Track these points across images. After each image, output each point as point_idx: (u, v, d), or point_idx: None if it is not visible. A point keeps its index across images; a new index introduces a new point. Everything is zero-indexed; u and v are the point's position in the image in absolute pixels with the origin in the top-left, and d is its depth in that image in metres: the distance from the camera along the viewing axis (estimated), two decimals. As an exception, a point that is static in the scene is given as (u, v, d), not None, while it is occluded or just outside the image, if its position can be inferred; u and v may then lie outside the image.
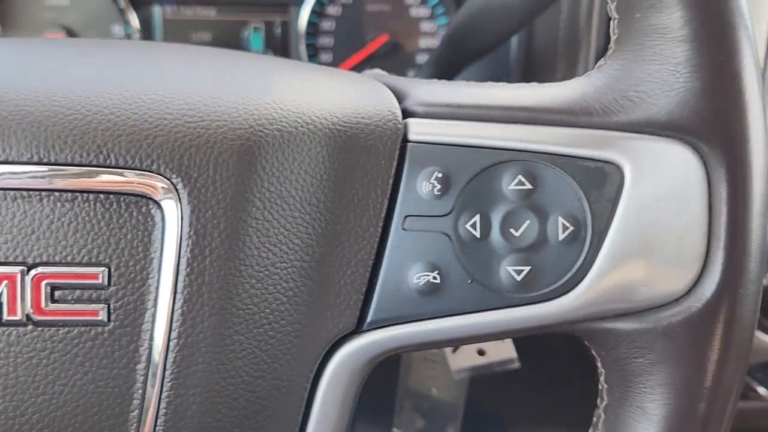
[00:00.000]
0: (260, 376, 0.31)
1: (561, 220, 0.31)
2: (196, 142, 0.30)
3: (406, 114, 0.33)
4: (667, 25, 0.31)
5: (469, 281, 0.32)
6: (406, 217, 0.32)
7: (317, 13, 0.81)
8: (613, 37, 0.33)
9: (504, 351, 0.57)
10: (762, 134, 0.31)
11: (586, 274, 0.31)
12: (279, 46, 0.83)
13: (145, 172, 0.29)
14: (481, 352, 0.57)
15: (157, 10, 0.81)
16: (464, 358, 0.57)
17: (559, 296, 0.32)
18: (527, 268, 0.31)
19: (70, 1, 0.79)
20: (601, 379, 0.34)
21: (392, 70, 0.83)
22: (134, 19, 0.79)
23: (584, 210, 0.31)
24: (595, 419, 0.35)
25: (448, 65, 0.62)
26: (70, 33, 0.79)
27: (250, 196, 0.30)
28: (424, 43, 0.83)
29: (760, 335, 0.69)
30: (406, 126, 0.33)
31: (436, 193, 0.32)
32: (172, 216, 0.29)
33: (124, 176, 0.29)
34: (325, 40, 0.83)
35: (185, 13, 0.81)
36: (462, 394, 0.62)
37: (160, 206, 0.30)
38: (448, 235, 0.32)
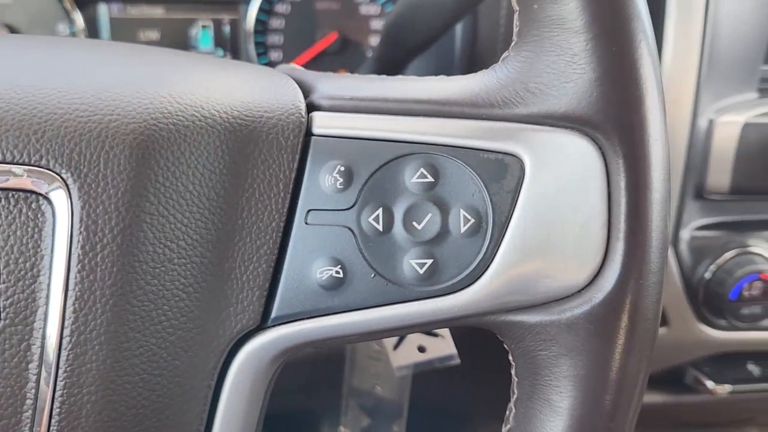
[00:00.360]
0: (160, 374, 0.31)
1: (462, 212, 0.31)
2: (86, 137, 0.29)
3: (312, 107, 0.33)
4: (563, 16, 0.30)
5: (373, 275, 0.31)
6: (309, 211, 0.32)
7: (266, 11, 0.81)
8: (515, 29, 0.33)
9: (444, 347, 0.57)
10: (660, 124, 0.31)
11: (488, 267, 0.31)
12: (228, 44, 0.82)
13: (34, 168, 0.29)
14: (421, 349, 0.57)
15: (102, 9, 0.79)
16: (405, 356, 0.57)
17: (462, 289, 0.31)
18: (429, 261, 0.31)
19: (14, 0, 0.78)
20: (513, 372, 0.34)
21: (343, 68, 0.83)
22: (79, 18, 0.78)
23: (485, 202, 0.31)
24: (507, 413, 0.35)
25: (388, 62, 0.62)
26: (14, 31, 0.77)
27: (143, 191, 0.30)
28: (374, 40, 0.83)
29: (705, 329, 0.69)
30: (310, 119, 0.32)
31: (339, 186, 0.32)
32: (63, 212, 0.29)
33: (12, 171, 0.28)
34: (275, 38, 0.82)
35: (132, 12, 0.80)
36: (406, 391, 0.61)
37: (50, 202, 0.29)
38: (350, 229, 0.31)
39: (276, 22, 0.82)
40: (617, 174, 0.31)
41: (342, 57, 0.82)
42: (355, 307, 0.31)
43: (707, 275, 0.67)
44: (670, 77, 0.62)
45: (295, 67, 0.39)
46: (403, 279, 0.31)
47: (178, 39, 0.81)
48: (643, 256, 0.31)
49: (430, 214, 0.31)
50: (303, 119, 0.32)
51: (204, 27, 0.81)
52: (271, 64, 0.82)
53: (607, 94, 0.30)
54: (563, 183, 0.31)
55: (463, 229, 0.31)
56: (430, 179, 0.32)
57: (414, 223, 0.31)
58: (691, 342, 0.69)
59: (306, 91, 0.34)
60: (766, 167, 0.64)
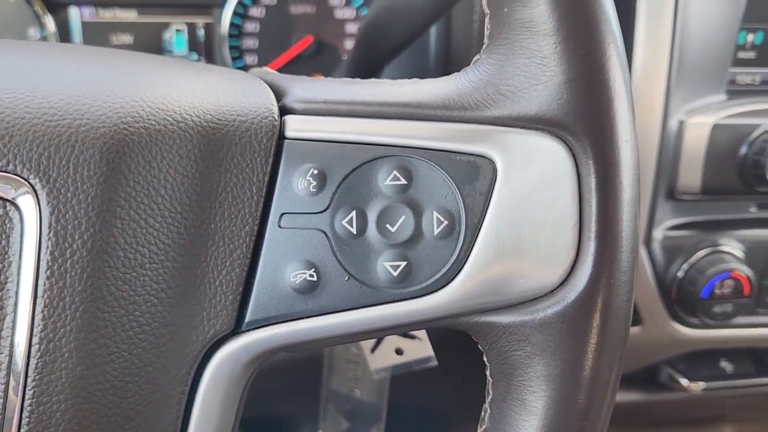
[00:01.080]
0: (132, 380, 0.30)
1: (436, 214, 0.31)
2: (55, 141, 0.29)
3: (285, 111, 0.33)
4: (533, 19, 0.31)
5: (346, 278, 0.31)
6: (283, 214, 0.32)
7: (240, 15, 0.80)
8: (486, 33, 0.33)
9: (421, 350, 0.57)
10: (629, 125, 0.31)
11: (461, 268, 0.31)
12: (202, 48, 0.81)
13: (1, 173, 0.28)
14: (399, 352, 0.57)
15: (74, 13, 0.79)
16: (382, 358, 0.57)
17: (436, 291, 0.31)
18: (403, 264, 0.31)
19: (-18, 4, 0.76)
20: (487, 373, 0.34)
21: (318, 72, 0.83)
22: (50, 22, 0.77)
23: (458, 204, 0.31)
24: (482, 414, 0.35)
25: (363, 66, 0.62)
26: (-17, 36, 0.76)
27: (114, 196, 0.29)
28: (350, 44, 0.83)
29: (678, 327, 0.70)
30: (283, 123, 0.32)
31: (312, 190, 0.31)
32: (31, 217, 0.28)
33: (-22, 177, 0.28)
34: (250, 42, 0.82)
35: (104, 16, 0.79)
36: (384, 394, 0.61)
37: (17, 208, 0.28)
38: (324, 232, 0.31)
39: (251, 26, 0.81)
40: (588, 175, 0.31)
41: (317, 61, 0.82)
42: (329, 311, 0.31)
43: (680, 274, 0.68)
44: (641, 80, 0.63)
45: (268, 70, 0.39)
46: (377, 281, 0.31)
47: (151, 43, 0.81)
48: (614, 256, 0.31)
49: (403, 217, 0.31)
50: (276, 123, 0.32)
51: (178, 31, 0.81)
52: (246, 68, 0.82)
53: (576, 96, 0.31)
54: (535, 184, 0.31)
55: (436, 231, 0.31)
56: (404, 181, 0.32)
57: (387, 226, 0.31)
58: (665, 340, 0.70)
59: (279, 95, 0.34)
60: (735, 168, 0.65)
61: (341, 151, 0.32)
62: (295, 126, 0.32)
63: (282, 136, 0.32)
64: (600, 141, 0.31)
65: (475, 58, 0.34)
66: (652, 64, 0.63)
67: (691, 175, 0.65)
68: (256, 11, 0.81)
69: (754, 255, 0.68)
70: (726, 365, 0.74)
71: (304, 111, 0.33)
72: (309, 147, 0.32)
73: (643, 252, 0.67)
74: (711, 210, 0.69)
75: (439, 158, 0.32)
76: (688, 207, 0.68)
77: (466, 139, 0.32)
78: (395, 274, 0.31)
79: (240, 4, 0.80)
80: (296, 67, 0.82)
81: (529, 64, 0.31)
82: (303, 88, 0.34)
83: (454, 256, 0.31)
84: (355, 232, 0.31)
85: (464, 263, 0.31)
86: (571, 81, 0.30)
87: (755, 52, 0.67)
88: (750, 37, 0.67)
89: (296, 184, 0.32)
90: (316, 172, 0.32)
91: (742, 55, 0.67)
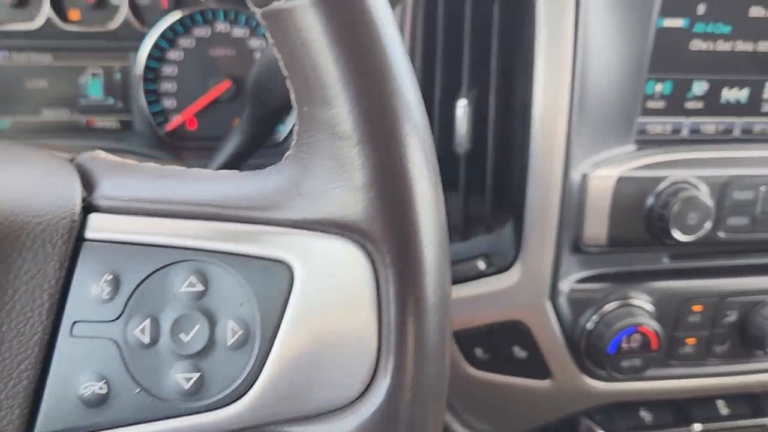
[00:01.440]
0: None
1: (231, 323, 0.30)
2: None
3: (90, 208, 0.32)
4: (332, 121, 0.30)
5: (137, 390, 0.30)
6: (75, 323, 0.30)
7: (156, 58, 0.79)
8: (295, 129, 0.32)
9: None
10: (431, 230, 0.30)
11: (255, 380, 0.30)
12: (119, 92, 0.80)
13: None
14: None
15: (-14, 57, 0.77)
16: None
17: (230, 403, 0.30)
18: (196, 375, 0.30)
19: None
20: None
21: (237, 116, 0.82)
22: (-41, 67, 0.76)
23: (254, 312, 0.30)
24: None
25: (258, 122, 0.61)
26: None
27: None
28: (268, 87, 0.82)
29: (589, 381, 0.69)
30: (84, 222, 0.31)
31: (105, 296, 0.30)
32: None
33: None
34: (168, 86, 0.81)
35: (18, 60, 0.78)
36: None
37: None
38: (116, 342, 0.30)
39: (168, 69, 0.80)
40: (386, 283, 0.30)
41: (236, 105, 0.81)
42: (118, 425, 0.30)
43: (589, 326, 0.66)
44: (540, 131, 0.62)
45: (98, 155, 0.38)
46: (168, 394, 0.30)
47: (66, 88, 0.79)
48: (416, 368, 0.30)
49: (198, 326, 0.30)
50: (75, 223, 0.31)
51: (94, 75, 0.80)
52: (165, 112, 0.81)
53: (373, 202, 0.29)
54: (333, 292, 0.30)
55: (230, 342, 0.30)
56: (200, 287, 0.30)
57: (181, 335, 0.30)
58: (576, 393, 0.69)
59: (90, 188, 0.33)
60: (642, 220, 0.64)
61: (137, 255, 0.31)
62: (97, 225, 0.31)
63: (81, 237, 0.31)
64: (398, 248, 0.30)
65: (286, 154, 0.33)
66: (552, 114, 0.62)
67: (596, 228, 0.64)
68: (173, 54, 0.80)
69: (664, 307, 0.67)
70: (645, 415, 0.73)
71: (109, 209, 0.32)
72: (107, 249, 0.31)
73: (548, 306, 0.66)
74: (622, 262, 0.68)
75: (236, 262, 0.31)
76: (596, 259, 0.67)
77: (264, 243, 0.31)
78: (187, 387, 0.30)
79: (156, 47, 0.79)
80: (214, 111, 0.81)
81: (327, 166, 0.30)
82: (112, 183, 0.33)
83: (249, 367, 0.30)
84: (147, 342, 0.30)
85: (258, 374, 0.30)
86: (368, 186, 0.29)
87: (664, 101, 0.67)
88: (658, 87, 0.66)
89: (90, 290, 0.30)
90: (110, 277, 0.30)
91: (651, 104, 0.66)
